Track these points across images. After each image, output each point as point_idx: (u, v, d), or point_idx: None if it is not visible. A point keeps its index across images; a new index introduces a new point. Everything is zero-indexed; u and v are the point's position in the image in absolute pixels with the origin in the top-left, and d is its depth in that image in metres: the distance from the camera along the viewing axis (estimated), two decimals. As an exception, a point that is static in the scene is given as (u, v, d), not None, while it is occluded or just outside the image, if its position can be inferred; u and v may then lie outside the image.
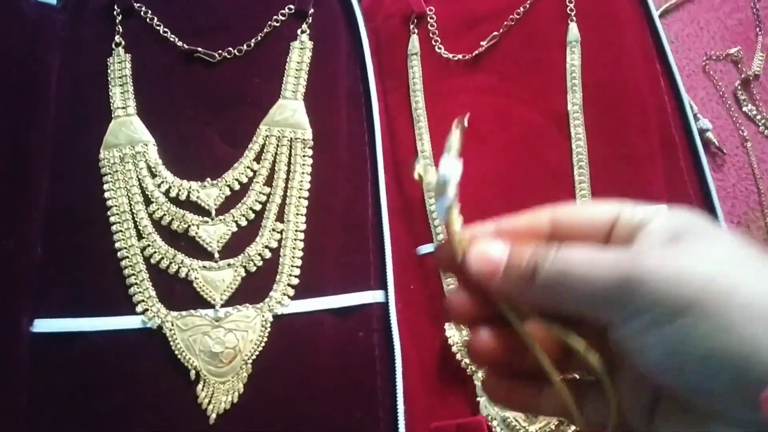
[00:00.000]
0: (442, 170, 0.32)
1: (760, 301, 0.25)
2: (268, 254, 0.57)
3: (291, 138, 0.59)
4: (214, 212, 0.58)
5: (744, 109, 0.67)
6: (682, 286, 0.26)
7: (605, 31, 0.62)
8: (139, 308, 0.55)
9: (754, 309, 0.25)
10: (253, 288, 0.56)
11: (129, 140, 0.59)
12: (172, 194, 0.58)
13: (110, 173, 0.59)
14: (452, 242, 0.31)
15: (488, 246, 0.31)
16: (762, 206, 0.63)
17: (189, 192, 0.58)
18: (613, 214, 0.30)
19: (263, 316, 0.55)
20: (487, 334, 0.32)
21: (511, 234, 0.32)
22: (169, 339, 0.54)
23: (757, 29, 0.70)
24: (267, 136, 0.60)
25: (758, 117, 0.66)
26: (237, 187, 0.58)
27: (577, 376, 0.33)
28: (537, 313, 0.31)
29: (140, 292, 0.56)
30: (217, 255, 0.56)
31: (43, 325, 0.55)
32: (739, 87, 0.68)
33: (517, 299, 0.30)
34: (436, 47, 0.65)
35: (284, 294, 0.55)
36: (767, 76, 0.68)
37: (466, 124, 0.33)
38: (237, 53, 0.62)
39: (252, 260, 0.56)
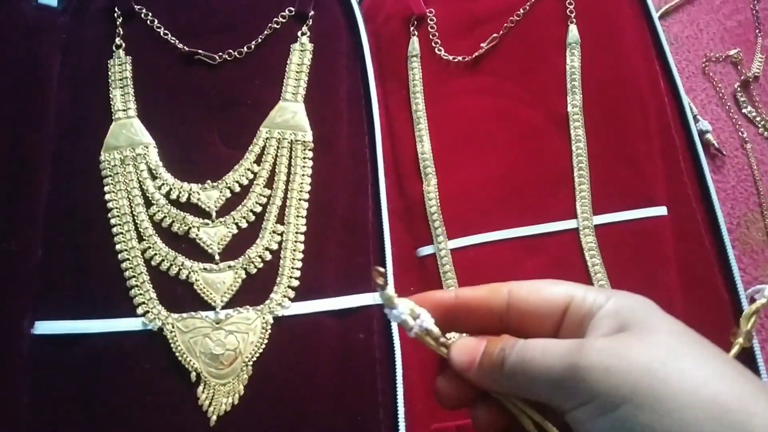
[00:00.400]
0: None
1: (692, 388, 0.28)
2: (268, 256, 0.57)
3: (291, 140, 0.59)
4: (214, 214, 0.58)
5: (744, 110, 0.67)
6: (621, 377, 0.29)
7: (605, 32, 0.63)
8: (139, 310, 0.55)
9: (685, 396, 0.28)
10: (254, 290, 0.56)
11: (129, 142, 0.60)
12: (173, 196, 0.58)
13: (111, 175, 0.59)
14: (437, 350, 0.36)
15: (468, 341, 0.35)
16: (761, 208, 0.63)
17: (189, 194, 0.58)
18: (565, 299, 0.34)
19: (264, 318, 0.55)
20: (484, 412, 0.36)
21: (468, 302, 0.36)
22: (170, 341, 0.54)
23: (757, 31, 0.70)
24: (267, 138, 0.60)
25: (758, 119, 0.66)
26: (237, 189, 0.59)
27: None
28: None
29: (141, 294, 0.56)
30: (217, 257, 0.57)
31: (43, 328, 0.55)
32: (738, 89, 0.68)
33: (491, 387, 0.34)
34: (436, 49, 0.65)
35: (285, 296, 0.56)
36: (767, 78, 0.68)
37: None
38: (237, 55, 0.63)
39: (252, 262, 0.56)
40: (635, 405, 0.28)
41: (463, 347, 0.35)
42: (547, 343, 0.32)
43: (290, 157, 0.59)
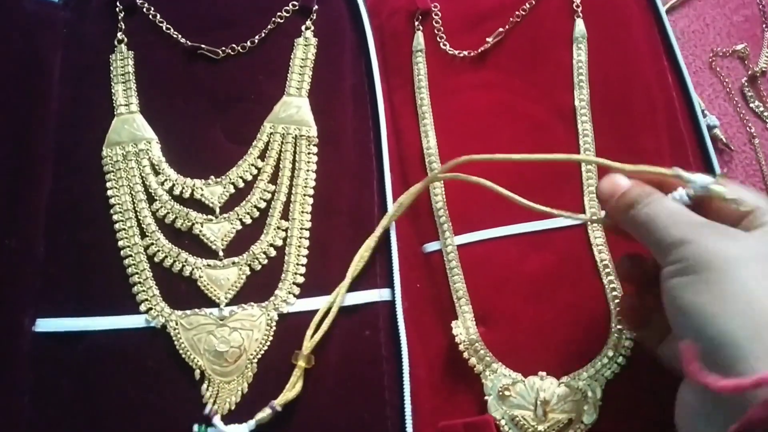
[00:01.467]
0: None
1: (740, 288, 0.34)
2: (273, 252, 0.56)
3: (296, 135, 0.59)
4: (218, 210, 0.57)
5: (751, 105, 0.66)
6: (708, 254, 0.36)
7: (612, 26, 0.62)
8: (142, 307, 0.55)
9: (730, 291, 0.34)
10: (258, 286, 0.55)
11: (132, 138, 0.59)
12: (176, 192, 0.58)
13: (113, 171, 0.58)
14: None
15: (618, 178, 0.44)
16: (770, 203, 0.62)
17: (193, 190, 0.58)
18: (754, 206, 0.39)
19: (268, 314, 0.54)
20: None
21: None
22: (173, 338, 0.53)
23: (764, 25, 0.70)
24: (271, 133, 0.59)
25: (765, 114, 0.66)
26: (241, 184, 0.58)
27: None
28: None
29: (144, 290, 0.55)
30: (221, 253, 0.56)
31: (45, 325, 0.54)
32: (746, 83, 0.67)
33: (618, 220, 0.43)
34: (441, 44, 0.64)
35: (289, 292, 0.55)
36: (774, 73, 0.68)
37: None
38: (241, 50, 0.62)
39: (257, 258, 0.56)
40: (704, 278, 0.35)
41: (611, 180, 0.44)
42: (677, 210, 0.40)
43: (295, 152, 0.59)
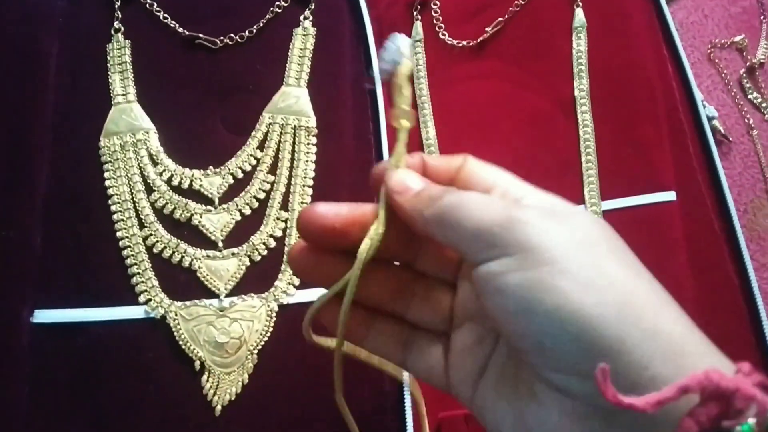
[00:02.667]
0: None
1: (610, 281, 0.27)
2: (272, 243, 0.56)
3: (295, 125, 0.59)
4: (217, 201, 0.57)
5: (749, 96, 0.67)
6: (556, 239, 0.28)
7: (611, 16, 0.62)
8: (141, 298, 0.54)
9: (602, 286, 0.27)
10: (258, 277, 0.55)
11: (130, 128, 0.58)
12: (174, 183, 0.57)
13: (111, 161, 0.58)
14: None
15: (410, 174, 0.34)
16: (768, 194, 0.63)
17: (191, 180, 0.57)
18: (493, 182, 0.33)
19: (268, 305, 0.54)
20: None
21: (431, 164, 0.35)
22: (173, 329, 0.53)
23: (762, 17, 0.70)
24: (270, 123, 0.59)
25: (764, 105, 0.66)
26: (240, 175, 0.57)
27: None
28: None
29: (143, 281, 0.55)
30: (220, 244, 0.56)
31: (43, 316, 0.54)
32: (744, 75, 0.67)
33: (416, 219, 0.32)
34: (440, 34, 0.64)
35: (289, 283, 0.55)
36: (772, 64, 0.68)
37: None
38: (239, 40, 0.62)
39: (256, 249, 0.55)
40: (560, 270, 0.27)
41: (410, 173, 0.34)
42: (487, 196, 0.32)
43: (294, 142, 0.58)
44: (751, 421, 0.25)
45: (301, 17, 0.62)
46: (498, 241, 0.29)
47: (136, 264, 0.55)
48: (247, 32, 0.62)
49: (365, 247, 0.33)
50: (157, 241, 0.56)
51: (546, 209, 0.30)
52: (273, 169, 0.58)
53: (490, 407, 0.32)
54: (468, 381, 0.34)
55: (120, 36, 0.62)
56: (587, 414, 0.27)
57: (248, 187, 0.57)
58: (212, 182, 0.57)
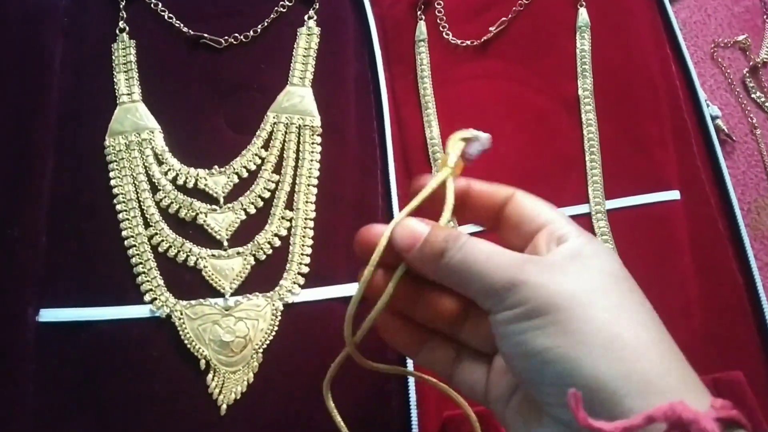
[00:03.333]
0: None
1: (596, 326, 0.31)
2: (277, 242, 0.56)
3: (299, 125, 0.59)
4: (222, 200, 0.57)
5: (753, 96, 0.67)
6: (549, 295, 0.32)
7: (615, 15, 0.62)
8: (147, 297, 0.54)
9: (594, 324, 0.31)
10: (263, 277, 0.55)
11: (135, 127, 0.59)
12: (179, 182, 0.57)
13: (116, 161, 0.58)
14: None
15: (413, 222, 0.36)
16: (773, 192, 0.63)
17: (196, 180, 0.57)
18: (546, 220, 0.36)
19: (274, 304, 0.54)
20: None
21: (477, 191, 0.39)
22: (179, 328, 0.53)
23: (765, 16, 0.70)
24: (275, 123, 0.59)
25: (767, 104, 0.66)
26: (245, 174, 0.58)
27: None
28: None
29: (148, 281, 0.55)
30: (225, 243, 0.56)
31: (49, 315, 0.54)
32: (747, 74, 0.67)
33: (428, 273, 0.36)
34: (444, 33, 0.64)
35: (294, 282, 0.55)
36: (775, 64, 0.68)
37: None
38: (243, 39, 0.62)
39: (261, 248, 0.55)
40: (547, 320, 0.31)
41: (407, 227, 0.36)
42: (492, 250, 0.34)
43: (298, 142, 0.58)
44: None
45: (306, 17, 0.62)
46: (505, 297, 0.33)
47: (141, 263, 0.55)
48: (251, 32, 0.62)
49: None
50: (162, 241, 0.56)
51: (565, 255, 0.34)
52: (278, 169, 0.58)
53: (514, 425, 0.36)
54: (502, 399, 0.37)
55: (125, 36, 0.62)
56: None
57: (253, 186, 0.57)
58: (217, 181, 0.57)
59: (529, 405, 0.35)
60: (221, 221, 0.56)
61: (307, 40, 0.62)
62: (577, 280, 0.32)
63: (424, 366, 0.42)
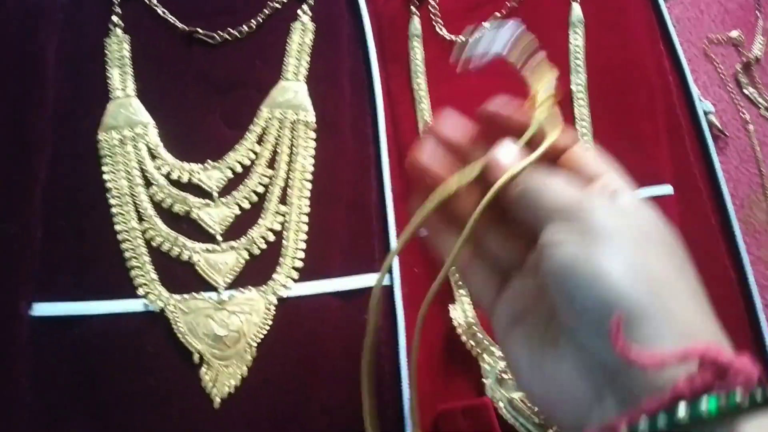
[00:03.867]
0: None
1: (658, 276, 0.32)
2: (271, 237, 0.56)
3: (293, 120, 0.59)
4: (216, 195, 0.57)
5: (745, 91, 0.67)
6: (612, 229, 0.33)
7: (608, 11, 0.62)
8: (140, 291, 0.54)
9: (651, 277, 0.31)
10: (257, 271, 0.55)
11: (128, 122, 0.59)
12: (173, 177, 0.57)
13: (110, 155, 0.58)
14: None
15: (510, 147, 0.38)
16: (764, 189, 0.63)
17: (190, 174, 0.57)
18: (601, 172, 0.37)
19: (267, 299, 0.54)
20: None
21: None
22: (172, 322, 0.53)
23: (758, 12, 0.70)
24: (269, 118, 0.59)
25: (760, 100, 0.66)
26: (239, 169, 0.58)
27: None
28: None
29: (142, 275, 0.55)
30: (219, 238, 0.56)
31: (43, 310, 0.54)
32: (740, 70, 0.68)
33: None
34: (438, 29, 0.64)
35: (288, 277, 0.55)
36: (768, 60, 0.68)
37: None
38: (237, 35, 0.62)
39: (255, 243, 0.56)
40: (607, 251, 0.32)
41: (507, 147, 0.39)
42: (565, 182, 0.36)
43: (292, 137, 0.58)
44: (739, 390, 0.28)
45: (300, 12, 0.62)
46: (565, 220, 0.34)
47: (135, 257, 0.55)
48: (245, 27, 0.62)
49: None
50: (156, 235, 0.56)
51: (618, 204, 0.35)
52: (271, 164, 0.58)
53: (516, 349, 0.38)
54: (507, 319, 0.39)
55: (119, 31, 0.62)
56: (595, 369, 0.33)
57: (247, 181, 0.57)
58: (211, 176, 0.57)
59: (543, 333, 0.37)
60: (215, 216, 0.56)
61: (301, 35, 0.62)
62: (637, 226, 0.34)
63: (442, 250, 0.42)
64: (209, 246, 0.55)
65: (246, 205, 0.57)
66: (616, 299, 0.31)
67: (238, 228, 0.56)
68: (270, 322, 0.54)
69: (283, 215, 0.56)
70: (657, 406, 0.29)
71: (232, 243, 0.56)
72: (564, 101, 0.60)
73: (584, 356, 0.33)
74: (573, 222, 0.34)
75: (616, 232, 0.33)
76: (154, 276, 0.55)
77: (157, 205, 0.57)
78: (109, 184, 0.57)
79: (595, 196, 0.35)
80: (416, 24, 0.64)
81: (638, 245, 0.33)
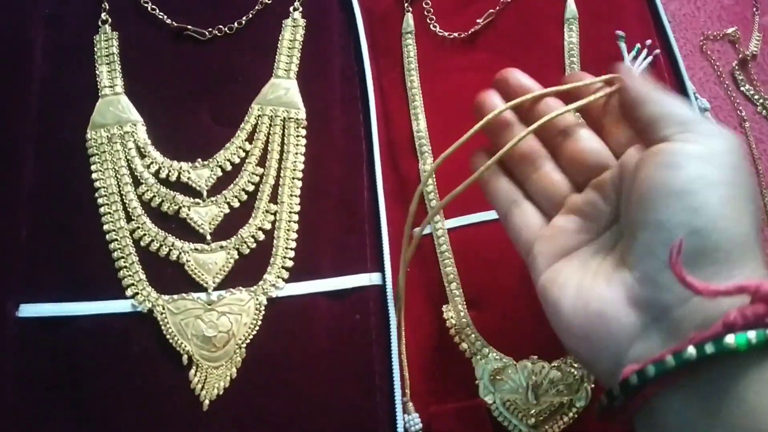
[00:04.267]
0: None
1: (750, 221, 0.34)
2: (261, 236, 0.55)
3: (284, 117, 0.58)
4: (205, 193, 0.56)
5: (742, 89, 0.66)
6: (725, 150, 0.35)
7: (603, 8, 0.61)
8: (128, 292, 0.53)
9: (744, 220, 0.33)
10: (247, 271, 0.54)
11: (117, 120, 0.58)
12: (162, 175, 0.57)
13: (98, 154, 0.57)
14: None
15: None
16: (761, 186, 0.62)
17: (179, 173, 0.56)
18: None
19: (257, 299, 0.53)
20: None
21: None
22: (160, 323, 0.52)
23: (754, 9, 0.70)
24: (259, 115, 0.58)
25: (756, 97, 0.66)
26: (229, 167, 0.57)
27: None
28: None
29: (130, 275, 0.54)
30: (209, 237, 0.55)
31: (29, 310, 0.53)
32: (736, 67, 0.67)
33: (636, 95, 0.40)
34: (431, 25, 0.63)
35: (278, 276, 0.54)
36: (764, 56, 0.68)
37: None
38: (228, 31, 0.61)
39: (245, 242, 0.55)
40: (718, 180, 0.34)
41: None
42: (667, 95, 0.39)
43: (283, 134, 0.58)
44: None
45: (291, 8, 0.62)
46: (688, 125, 0.36)
47: (123, 257, 0.54)
48: (236, 24, 0.61)
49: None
50: (145, 234, 0.55)
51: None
52: (262, 162, 0.57)
53: (560, 281, 0.39)
54: (549, 255, 0.41)
55: (107, 27, 0.61)
56: (647, 303, 0.34)
57: (237, 179, 0.56)
58: (200, 175, 0.57)
59: (596, 267, 0.38)
60: (204, 215, 0.55)
61: (292, 31, 0.61)
62: (732, 163, 0.35)
63: (489, 193, 0.46)
64: (198, 245, 0.55)
65: (236, 204, 0.56)
66: (709, 230, 0.33)
67: (227, 227, 0.55)
68: (260, 323, 0.53)
69: (274, 214, 0.56)
70: (707, 335, 0.30)
71: (222, 242, 0.55)
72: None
73: (640, 288, 0.35)
74: (694, 131, 0.35)
75: (724, 160, 0.34)
76: (143, 276, 0.54)
77: (146, 204, 0.56)
78: (97, 183, 0.56)
79: (708, 124, 0.37)
80: (409, 20, 0.64)
81: (732, 187, 0.34)
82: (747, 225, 0.33)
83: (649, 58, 0.58)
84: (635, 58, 0.58)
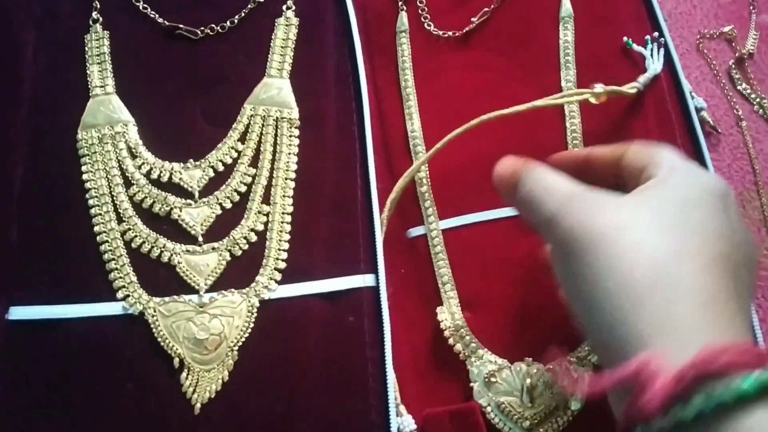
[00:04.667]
0: None
1: (632, 262, 0.32)
2: (254, 237, 0.55)
3: (277, 117, 0.57)
4: (197, 194, 0.56)
5: (738, 87, 0.66)
6: (581, 232, 0.34)
7: (599, 6, 0.61)
8: (119, 294, 0.53)
9: (616, 269, 0.32)
10: (239, 272, 0.54)
11: (108, 120, 0.57)
12: (154, 176, 0.56)
13: (88, 154, 0.56)
14: None
15: (505, 159, 0.44)
16: (757, 186, 0.62)
17: (171, 173, 0.56)
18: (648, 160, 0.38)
19: (249, 301, 0.53)
20: None
21: (597, 156, 0.44)
22: (152, 326, 0.52)
23: (751, 7, 0.69)
24: (252, 115, 0.58)
25: (753, 96, 0.65)
26: (221, 168, 0.56)
27: None
28: None
29: (121, 277, 0.53)
30: (200, 238, 0.54)
31: (19, 313, 0.53)
32: (733, 65, 0.66)
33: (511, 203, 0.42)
34: (426, 24, 0.63)
35: (271, 278, 0.54)
36: (761, 55, 0.67)
37: None
38: (220, 30, 0.60)
39: (237, 244, 0.54)
40: (585, 262, 0.33)
41: (501, 163, 0.43)
42: (551, 182, 0.39)
43: (276, 134, 0.57)
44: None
45: (284, 7, 0.61)
46: (550, 235, 0.36)
47: (114, 259, 0.54)
48: (228, 22, 0.61)
49: None
50: (136, 236, 0.54)
51: (642, 187, 0.36)
52: (254, 162, 0.57)
53: None
54: None
55: (98, 26, 0.60)
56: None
57: (229, 180, 0.56)
58: (192, 175, 0.56)
59: None
60: (196, 216, 0.55)
61: (285, 30, 0.60)
62: (610, 217, 0.34)
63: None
64: (190, 247, 0.54)
65: (228, 205, 0.55)
66: (611, 324, 0.32)
67: (220, 228, 0.55)
68: (252, 325, 0.52)
69: (266, 215, 0.55)
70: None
71: (214, 244, 0.54)
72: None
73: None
74: (554, 239, 0.36)
75: (595, 235, 0.34)
76: (134, 278, 0.53)
77: (137, 206, 0.55)
78: (88, 184, 0.56)
79: (578, 199, 0.36)
80: (403, 19, 0.63)
81: (626, 241, 0.33)
82: (656, 292, 0.32)
83: (662, 51, 0.59)
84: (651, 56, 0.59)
